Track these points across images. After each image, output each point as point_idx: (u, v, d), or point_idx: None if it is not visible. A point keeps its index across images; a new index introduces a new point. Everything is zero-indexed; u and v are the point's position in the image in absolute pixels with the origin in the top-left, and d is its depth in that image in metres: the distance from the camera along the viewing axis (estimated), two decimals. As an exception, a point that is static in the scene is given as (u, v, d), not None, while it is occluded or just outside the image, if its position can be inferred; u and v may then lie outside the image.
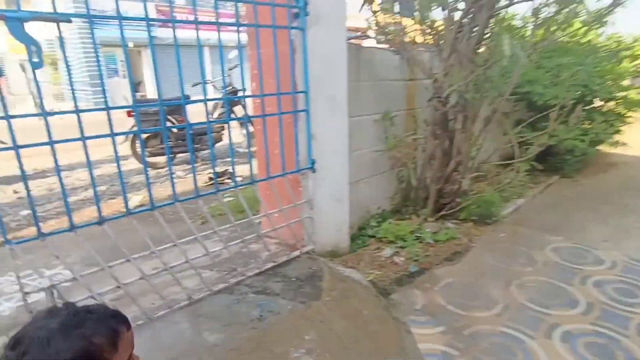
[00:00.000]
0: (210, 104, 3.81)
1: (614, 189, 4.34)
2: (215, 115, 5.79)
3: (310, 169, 2.42)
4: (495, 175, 3.83)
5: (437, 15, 2.50)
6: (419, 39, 2.68)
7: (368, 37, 2.74)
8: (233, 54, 5.46)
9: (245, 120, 4.38)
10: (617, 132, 4.77)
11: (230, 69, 5.46)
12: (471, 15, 2.33)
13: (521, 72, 3.76)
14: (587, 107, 4.57)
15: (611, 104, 4.87)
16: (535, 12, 2.40)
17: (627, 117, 4.89)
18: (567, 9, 2.39)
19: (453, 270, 2.62)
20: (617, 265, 2.64)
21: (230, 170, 2.69)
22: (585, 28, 2.54)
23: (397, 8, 2.62)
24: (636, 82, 10.60)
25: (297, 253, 2.49)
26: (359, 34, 3.60)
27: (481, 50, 2.71)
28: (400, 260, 2.67)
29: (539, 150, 3.26)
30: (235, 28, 2.12)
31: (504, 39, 1.94)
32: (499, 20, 2.49)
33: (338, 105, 2.40)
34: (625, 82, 5.00)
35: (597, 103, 4.78)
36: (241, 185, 2.24)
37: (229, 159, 4.56)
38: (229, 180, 4.35)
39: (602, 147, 5.03)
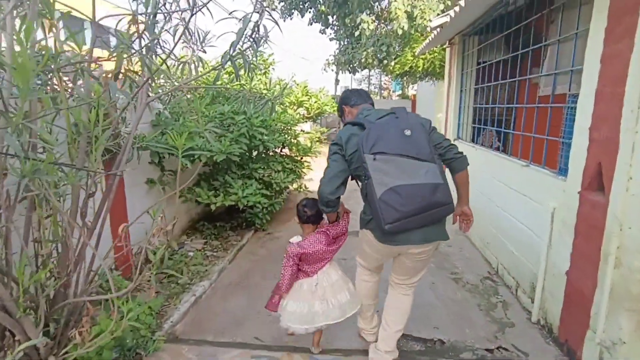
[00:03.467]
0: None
1: (302, 237, 4.18)
2: None
3: None
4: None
5: None
6: None
7: None
8: None
9: None
10: (299, 177, 4.76)
11: None
12: None
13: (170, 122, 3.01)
14: (264, 156, 4.34)
15: (286, 151, 4.87)
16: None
17: (304, 161, 5.00)
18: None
19: None
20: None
21: None
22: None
23: None
24: (315, 126, 12.19)
25: None
26: None
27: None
28: None
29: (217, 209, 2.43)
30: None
31: None
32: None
33: None
34: (297, 128, 5.15)
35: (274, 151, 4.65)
36: None
37: None
38: None
39: (291, 188, 4.98)
